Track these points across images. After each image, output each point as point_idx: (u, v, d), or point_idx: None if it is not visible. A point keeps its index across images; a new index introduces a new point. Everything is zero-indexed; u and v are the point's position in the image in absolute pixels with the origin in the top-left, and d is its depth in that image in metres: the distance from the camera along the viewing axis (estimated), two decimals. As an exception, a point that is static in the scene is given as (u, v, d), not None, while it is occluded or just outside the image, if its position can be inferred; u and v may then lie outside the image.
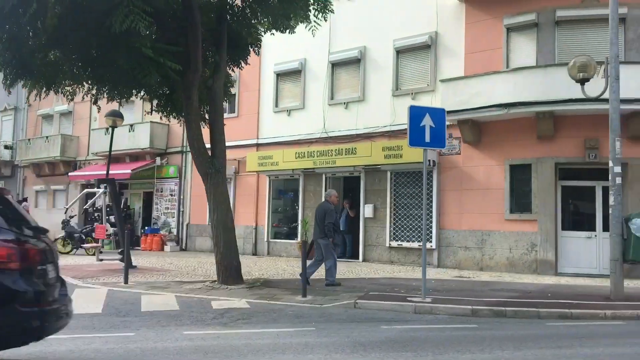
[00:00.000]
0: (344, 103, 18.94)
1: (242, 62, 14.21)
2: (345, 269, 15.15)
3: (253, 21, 13.69)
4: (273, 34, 14.28)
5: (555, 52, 15.12)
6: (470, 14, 16.52)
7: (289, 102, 20.49)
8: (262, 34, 14.42)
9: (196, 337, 7.07)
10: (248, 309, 9.43)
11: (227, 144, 13.23)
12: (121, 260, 14.90)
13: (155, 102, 14.09)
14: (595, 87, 11.49)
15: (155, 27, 11.94)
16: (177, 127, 24.18)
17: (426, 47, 17.26)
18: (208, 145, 12.76)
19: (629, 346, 7.06)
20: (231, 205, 21.69)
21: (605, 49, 14.70)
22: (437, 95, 16.45)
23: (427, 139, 9.97)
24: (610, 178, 10.68)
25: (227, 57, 13.27)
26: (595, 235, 14.80)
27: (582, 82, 11.24)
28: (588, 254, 14.82)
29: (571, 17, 15.02)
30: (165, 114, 14.29)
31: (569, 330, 8.11)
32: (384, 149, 17.01)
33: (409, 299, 9.95)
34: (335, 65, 19.36)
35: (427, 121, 9.98)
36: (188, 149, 23.40)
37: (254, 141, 21.16)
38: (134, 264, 15.14)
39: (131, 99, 14.41)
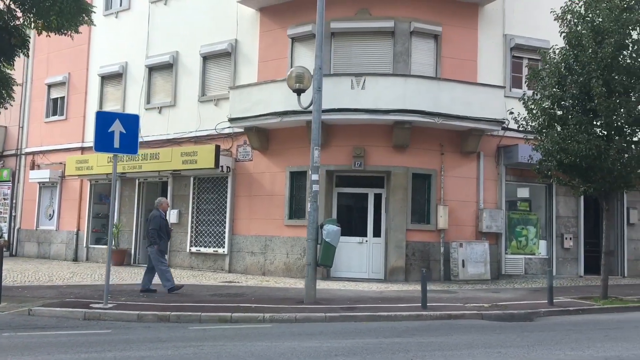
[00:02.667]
0: (158, 108, 18.93)
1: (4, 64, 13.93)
2: (127, 276, 15.10)
3: (15, 23, 13.46)
4: (49, 36, 14.07)
5: (331, 63, 15.55)
6: (264, 24, 16.82)
7: (111, 105, 20.27)
8: (29, 36, 14.19)
9: None
10: None
11: (54, 147, 12.81)
12: None
13: None
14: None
15: None
16: (15, 130, 23.61)
17: (227, 55, 17.46)
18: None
19: (242, 347, 7.22)
20: (56, 210, 21.59)
21: (378, 60, 15.39)
22: (235, 102, 16.67)
23: (117, 144, 10.05)
24: (308, 185, 11.03)
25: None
26: (367, 241, 15.28)
27: (299, 92, 11.60)
28: (360, 259, 15.29)
29: (345, 30, 15.51)
30: None
31: (207, 333, 8.27)
32: (182, 154, 17.06)
33: (91, 305, 9.97)
34: (151, 69, 19.32)
35: (117, 127, 10.06)
36: (24, 152, 23.11)
37: (79, 144, 20.84)
38: None
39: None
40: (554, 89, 11.45)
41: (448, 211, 15.14)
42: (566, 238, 16.29)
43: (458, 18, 15.79)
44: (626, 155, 11.26)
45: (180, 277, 15.45)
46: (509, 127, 14.45)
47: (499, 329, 8.97)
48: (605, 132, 11.33)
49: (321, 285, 13.79)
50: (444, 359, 6.52)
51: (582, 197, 16.39)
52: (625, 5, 11.08)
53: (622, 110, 11.00)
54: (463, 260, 14.72)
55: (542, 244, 16.35)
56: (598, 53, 10.86)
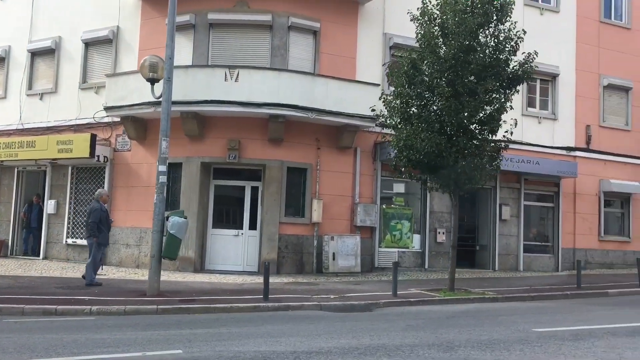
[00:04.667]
0: (40, 94, 18.22)
1: None
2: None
3: None
4: None
5: (209, 54, 15.45)
6: (145, 11, 16.50)
7: (-7, 90, 19.38)
8: None
9: None
10: None
11: None
12: None
13: None
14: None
15: None
16: None
17: (109, 42, 17.02)
18: None
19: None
20: None
21: (256, 53, 15.37)
22: (115, 90, 16.26)
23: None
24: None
25: None
26: (242, 233, 15.31)
27: (153, 81, 11.46)
28: (235, 252, 15.30)
29: (223, 21, 15.42)
30: None
31: (14, 326, 8.06)
32: (58, 143, 16.47)
33: None
34: (34, 54, 18.56)
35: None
36: None
37: (-40, 131, 19.79)
38: None
39: None
40: (404, 88, 11.81)
41: (323, 205, 15.37)
42: (439, 232, 16.87)
43: (338, 15, 16.00)
44: (467, 153, 11.72)
45: (50, 269, 15.03)
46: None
47: (320, 319, 9.18)
48: (451, 132, 11.76)
49: (188, 278, 13.79)
50: (223, 347, 6.60)
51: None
52: (467, 9, 11.53)
53: (465, 110, 11.45)
54: (334, 253, 14.98)
55: (416, 238, 16.87)
56: (442, 54, 11.26)
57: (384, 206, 16.49)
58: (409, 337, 7.34)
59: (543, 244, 18.63)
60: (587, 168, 18.85)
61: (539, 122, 18.41)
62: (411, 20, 12.43)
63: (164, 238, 10.73)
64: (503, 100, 11.99)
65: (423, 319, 9.37)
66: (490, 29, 11.98)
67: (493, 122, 11.99)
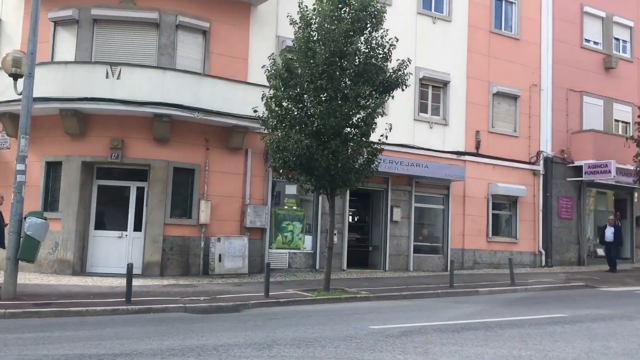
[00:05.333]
0: None
1: None
2: None
3: None
4: None
5: (92, 50, 15.04)
6: (29, 5, 15.76)
7: None
8: None
9: None
10: None
11: None
12: None
13: None
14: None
15: None
16: None
17: (-10, 34, 16.23)
18: None
19: None
20: None
21: (142, 51, 15.06)
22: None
23: None
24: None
25: None
26: (126, 235, 14.97)
27: (15, 77, 11.02)
28: (118, 254, 14.91)
29: (108, 17, 15.05)
30: None
31: None
32: None
33: None
34: None
35: None
36: None
37: None
38: None
39: None
40: (278, 91, 11.93)
41: (212, 206, 15.27)
42: (331, 234, 17.10)
43: (229, 16, 15.96)
44: (341, 156, 11.95)
45: None
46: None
47: (173, 321, 9.10)
48: (325, 135, 11.96)
49: (63, 281, 13.34)
50: (32, 351, 6.44)
51: (347, 196, 17.39)
52: (340, 15, 11.79)
53: (337, 114, 11.67)
54: (220, 255, 14.90)
55: (308, 239, 17.05)
56: (312, 59, 11.45)
57: (275, 207, 16.57)
58: (239, 337, 7.40)
59: (433, 244, 19.30)
60: (477, 172, 19.68)
61: (431, 127, 19.05)
62: (290, 23, 12.57)
63: (21, 239, 10.31)
64: (374, 105, 12.29)
65: (279, 318, 9.48)
66: (364, 36, 12.28)
67: (365, 126, 12.28)
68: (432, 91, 19.40)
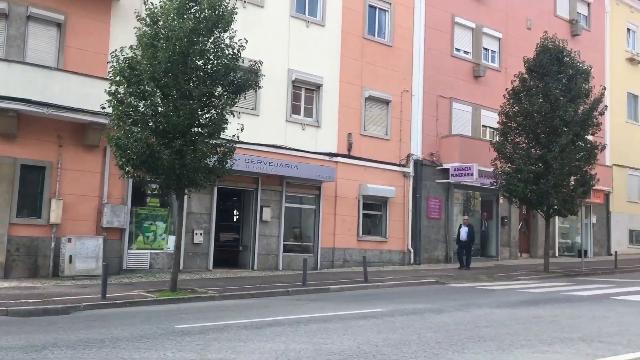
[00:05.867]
0: None
1: None
2: None
3: None
4: None
5: None
6: None
7: None
8: None
9: None
10: None
11: None
12: None
13: None
14: None
15: None
16: None
17: None
18: None
19: None
20: None
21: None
22: None
23: None
24: None
25: None
26: (-32, 236, 14.11)
27: None
28: (-41, 255, 14.04)
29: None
30: None
31: None
32: None
33: None
34: None
35: None
36: None
37: None
38: None
39: None
40: (117, 87, 11.75)
41: (64, 205, 14.74)
42: (196, 233, 17.03)
43: (88, 9, 15.49)
44: (187, 156, 11.93)
45: None
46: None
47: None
48: (169, 134, 11.89)
49: None
50: None
51: (215, 195, 17.37)
52: (180, 14, 11.77)
53: (181, 112, 11.63)
54: (70, 256, 14.42)
55: (172, 239, 16.81)
56: (154, 57, 11.36)
57: (137, 207, 16.25)
58: (22, 340, 7.24)
59: (304, 243, 19.67)
60: (348, 173, 20.27)
61: (303, 129, 19.40)
62: (138, 19, 12.38)
63: None
64: (222, 105, 12.35)
65: (98, 320, 9.34)
66: (212, 36, 12.31)
67: (214, 126, 12.32)
68: (306, 93, 19.77)
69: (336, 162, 20.00)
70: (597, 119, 19.56)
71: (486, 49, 25.18)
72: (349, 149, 20.46)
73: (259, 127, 17.89)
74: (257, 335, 7.70)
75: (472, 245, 20.84)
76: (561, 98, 18.88)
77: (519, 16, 26.12)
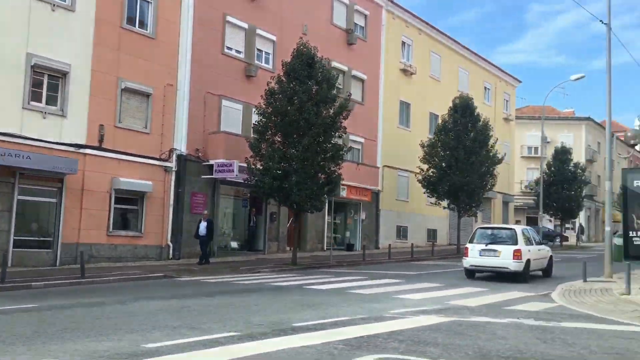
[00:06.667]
0: None
1: None
2: None
3: None
4: None
5: None
6: None
7: None
8: None
9: None
10: None
11: None
12: None
13: None
14: None
15: None
16: None
17: None
18: None
19: None
20: None
21: None
22: None
23: None
24: None
25: None
26: None
27: None
28: None
29: None
30: None
31: None
32: None
33: None
34: None
35: None
36: None
37: None
38: None
39: None
40: None
41: None
42: None
43: None
44: None
45: None
46: None
47: None
48: None
49: None
50: None
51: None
52: None
53: None
54: None
55: None
56: None
57: None
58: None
59: (41, 238, 18.64)
60: (99, 166, 19.60)
61: (44, 118, 18.36)
62: None
63: None
64: None
65: None
66: None
67: None
68: (49, 80, 18.70)
69: (85, 154, 19.24)
70: (341, 122, 21.11)
71: (260, 50, 25.96)
72: (100, 141, 19.80)
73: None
74: None
75: (212, 240, 21.33)
76: (307, 102, 20.07)
77: (296, 21, 27.26)
